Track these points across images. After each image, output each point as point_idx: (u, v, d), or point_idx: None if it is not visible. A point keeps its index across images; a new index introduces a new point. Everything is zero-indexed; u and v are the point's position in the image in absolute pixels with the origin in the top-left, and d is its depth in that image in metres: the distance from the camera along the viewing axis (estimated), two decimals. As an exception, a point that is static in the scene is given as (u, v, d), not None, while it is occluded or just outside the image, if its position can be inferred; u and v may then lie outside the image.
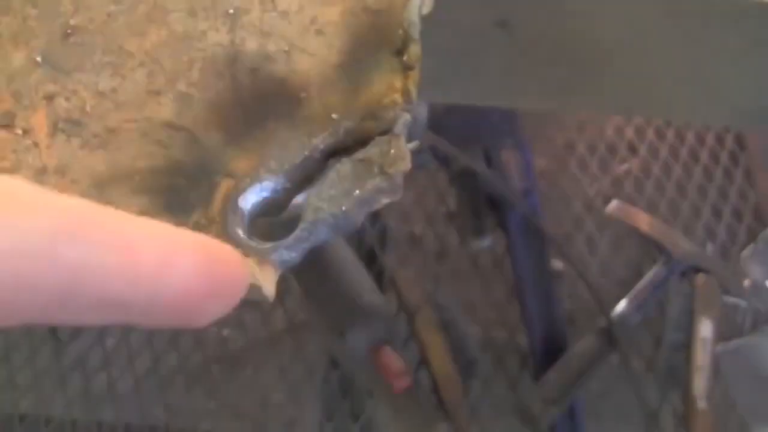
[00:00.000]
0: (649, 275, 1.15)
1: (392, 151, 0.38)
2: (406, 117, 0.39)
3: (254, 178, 0.37)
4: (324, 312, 1.08)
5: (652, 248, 1.17)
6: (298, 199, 0.38)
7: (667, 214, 1.22)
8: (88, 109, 0.40)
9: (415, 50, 0.41)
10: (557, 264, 1.18)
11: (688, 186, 1.24)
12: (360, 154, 0.38)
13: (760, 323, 1.15)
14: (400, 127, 0.38)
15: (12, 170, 0.39)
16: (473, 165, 1.15)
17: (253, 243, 0.36)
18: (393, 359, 1.04)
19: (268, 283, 0.35)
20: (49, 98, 0.41)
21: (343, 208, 0.36)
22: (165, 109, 0.40)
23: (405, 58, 0.41)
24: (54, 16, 0.43)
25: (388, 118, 0.39)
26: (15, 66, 0.42)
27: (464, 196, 1.19)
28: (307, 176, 0.38)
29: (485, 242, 1.18)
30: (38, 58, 0.42)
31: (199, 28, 0.42)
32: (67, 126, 0.40)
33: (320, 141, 0.38)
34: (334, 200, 0.37)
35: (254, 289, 0.35)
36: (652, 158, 1.26)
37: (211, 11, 0.43)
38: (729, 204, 1.24)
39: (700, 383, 1.06)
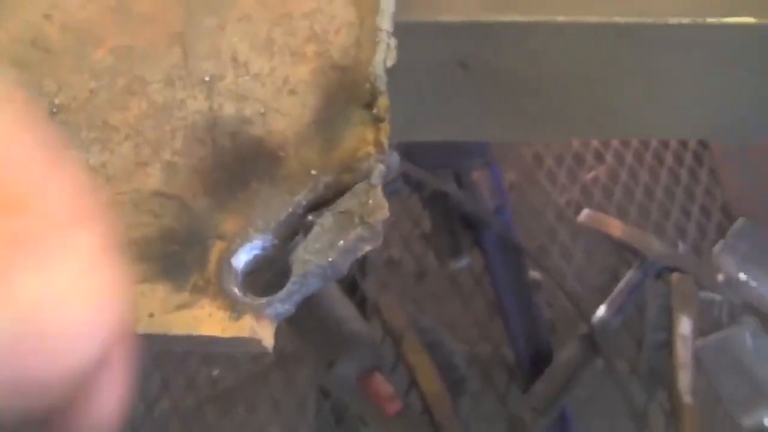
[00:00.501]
0: (625, 279, 1.18)
1: (370, 201, 0.40)
2: (381, 168, 0.41)
3: (244, 238, 0.40)
4: (312, 344, 1.10)
5: (626, 252, 1.20)
6: (287, 253, 0.40)
7: (638, 217, 1.25)
8: (81, 187, 0.42)
9: (383, 103, 0.43)
10: (535, 275, 1.20)
11: (656, 189, 1.28)
12: (340, 206, 0.40)
13: (736, 315, 1.18)
14: (375, 178, 0.41)
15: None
16: (445, 187, 1.17)
17: (249, 299, 0.38)
18: (383, 385, 1.05)
19: (267, 336, 0.38)
20: (42, 178, 0.43)
21: (330, 259, 0.39)
22: (153, 179, 0.42)
23: (375, 110, 0.43)
24: (39, 97, 0.45)
25: (364, 170, 0.41)
26: (6, 148, 0.44)
27: (438, 218, 1.21)
28: (292, 231, 0.40)
29: (463, 262, 1.20)
30: (28, 140, 0.44)
31: (178, 97, 0.45)
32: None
33: (302, 197, 0.41)
34: (320, 253, 0.39)
35: (254, 342, 0.37)
36: (618, 165, 1.30)
37: (188, 80, 0.45)
38: (697, 203, 1.27)
39: (684, 379, 1.08)
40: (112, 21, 0.48)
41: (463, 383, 1.14)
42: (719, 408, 1.10)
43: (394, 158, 0.43)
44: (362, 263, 1.20)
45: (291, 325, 1.10)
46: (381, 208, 0.40)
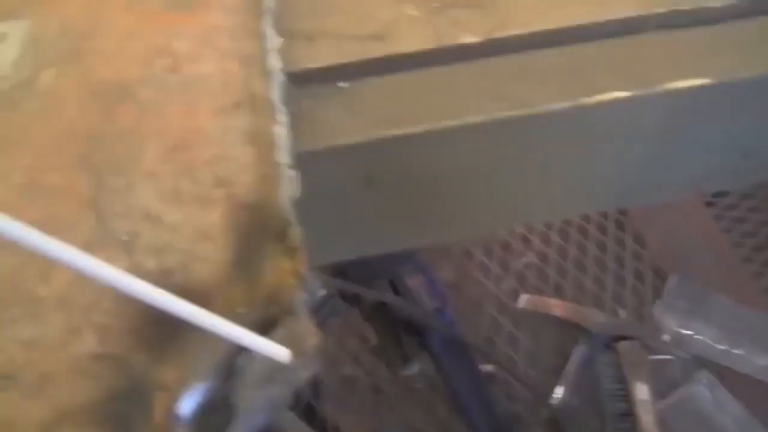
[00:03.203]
0: (575, 356, 1.19)
1: (298, 330, 0.41)
2: (302, 296, 0.42)
3: (185, 386, 0.40)
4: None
5: (571, 330, 1.22)
6: (230, 392, 0.41)
7: (574, 293, 1.27)
8: (18, 361, 0.43)
9: (293, 233, 0.45)
10: (487, 368, 1.21)
11: (586, 262, 1.30)
12: (272, 338, 0.41)
13: (690, 371, 1.20)
14: (299, 308, 0.42)
15: (-42, 440, 0.41)
16: (383, 297, 1.19)
17: (199, 447, 0.39)
18: None
19: (223, 479, 0.38)
20: (-23, 361, 0.43)
21: (273, 393, 0.40)
22: (88, 344, 0.43)
23: (287, 242, 0.45)
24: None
25: (288, 301, 0.43)
26: (-64, 337, 0.45)
27: (382, 328, 1.23)
28: (231, 368, 0.41)
29: (414, 368, 1.21)
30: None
31: (100, 259, 0.46)
32: (3, 383, 0.42)
33: (234, 336, 0.42)
34: (261, 387, 0.40)
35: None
36: (546, 246, 1.33)
37: (107, 242, 0.46)
38: (628, 268, 1.30)
39: (651, 444, 1.09)
40: (24, 197, 0.50)
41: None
42: (691, 466, 1.11)
43: (314, 284, 0.44)
44: (315, 387, 1.20)
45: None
46: (310, 335, 0.41)
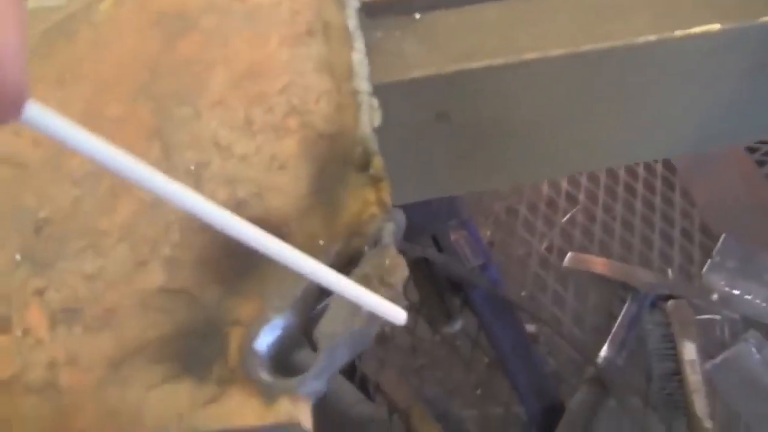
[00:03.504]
0: (622, 315, 1.16)
1: (387, 261, 0.39)
2: (391, 226, 0.40)
3: (263, 320, 0.38)
4: (320, 434, 1.07)
5: (617, 288, 1.19)
6: (309, 329, 0.38)
7: (621, 252, 1.24)
8: (81, 294, 0.41)
9: (378, 162, 0.42)
10: (530, 328, 1.19)
11: (633, 221, 1.27)
12: (357, 273, 0.39)
13: (738, 332, 1.17)
14: (387, 238, 0.39)
15: (21, 372, 0.39)
16: (425, 253, 1.16)
17: (281, 382, 0.36)
18: (399, 462, 1.03)
19: (305, 417, 0.36)
20: (39, 293, 0.41)
21: (356, 328, 0.37)
22: (156, 277, 0.41)
23: (371, 171, 0.42)
24: (21, 214, 0.44)
25: (372, 232, 0.40)
26: (-5, 271, 0.42)
27: (424, 285, 1.20)
28: (311, 305, 0.39)
29: (456, 325, 1.19)
30: (17, 257, 0.42)
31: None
32: (65, 316, 0.40)
33: (314, 269, 0.39)
34: (344, 322, 0.37)
35: (293, 426, 0.35)
36: (592, 203, 1.29)
37: (174, 173, 0.44)
38: (676, 227, 1.27)
39: (699, 404, 1.07)
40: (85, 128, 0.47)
41: (479, 448, 1.12)
42: (739, 426, 1.09)
43: (400, 215, 0.41)
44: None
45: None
46: (399, 267, 0.39)
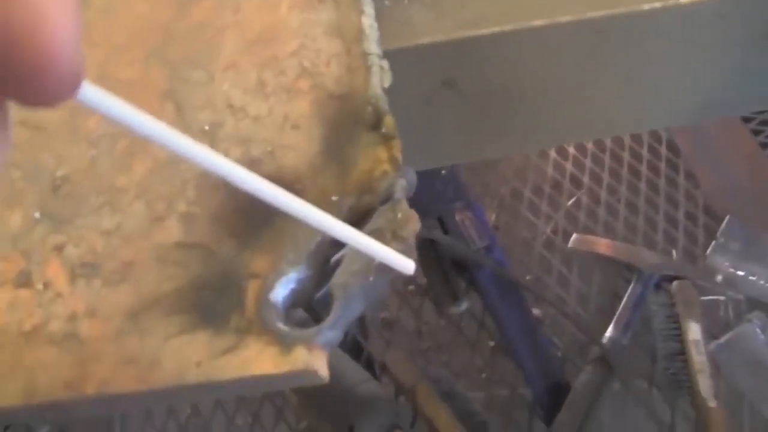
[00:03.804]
0: (627, 295, 1.17)
1: (399, 215, 0.39)
2: (403, 182, 0.40)
3: (278, 273, 0.39)
4: (327, 413, 1.08)
5: (622, 269, 1.20)
6: (322, 283, 0.39)
7: (625, 233, 1.25)
8: (99, 249, 0.41)
9: (389, 121, 0.43)
10: (536, 311, 1.19)
11: (638, 202, 1.28)
12: (369, 227, 0.39)
13: (742, 312, 1.17)
14: (399, 193, 0.40)
15: (43, 324, 0.40)
16: (431, 235, 1.17)
17: (297, 332, 0.37)
18: (405, 442, 1.04)
19: (321, 365, 0.37)
20: (59, 249, 0.42)
21: (370, 279, 0.38)
22: (173, 232, 0.41)
23: (383, 130, 0.43)
24: (39, 173, 0.45)
25: (384, 189, 0.41)
26: (15, 227, 0.43)
27: (430, 266, 1.21)
28: (324, 259, 0.40)
29: (462, 306, 1.19)
30: (36, 215, 0.43)
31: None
32: (84, 270, 0.41)
33: (327, 224, 0.40)
34: (358, 274, 0.38)
35: (310, 374, 0.36)
36: (596, 185, 1.30)
37: (188, 133, 0.44)
38: (680, 209, 1.27)
39: (704, 384, 1.07)
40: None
41: (485, 427, 1.12)
42: (744, 406, 1.09)
43: (411, 173, 0.42)
44: (362, 324, 1.19)
45: (303, 400, 1.08)
46: (411, 220, 0.39)
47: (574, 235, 1.22)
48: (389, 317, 1.24)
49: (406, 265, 0.36)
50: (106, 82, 0.48)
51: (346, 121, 0.44)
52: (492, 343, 1.19)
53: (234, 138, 0.44)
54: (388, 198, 0.40)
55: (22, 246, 0.42)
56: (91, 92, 0.27)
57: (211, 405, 1.14)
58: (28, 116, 0.47)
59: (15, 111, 0.45)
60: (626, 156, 1.32)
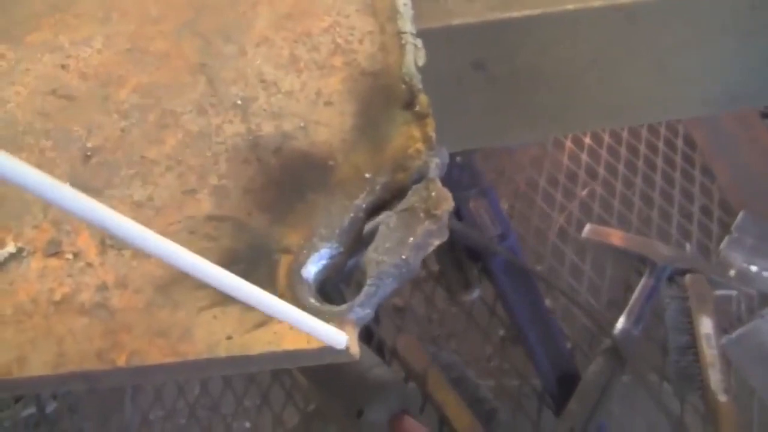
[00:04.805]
0: (639, 287, 1.17)
1: (433, 194, 0.39)
2: (436, 161, 0.40)
3: (310, 248, 0.38)
4: (337, 396, 1.08)
5: (635, 261, 1.19)
6: (354, 259, 0.39)
7: (640, 225, 1.24)
8: (130, 222, 0.41)
9: (423, 99, 0.43)
10: (547, 301, 1.19)
11: (653, 195, 1.27)
12: (402, 205, 0.39)
13: (754, 308, 1.17)
14: (433, 171, 0.40)
15: (72, 294, 0.39)
16: (445, 221, 1.16)
17: (328, 308, 0.37)
18: (414, 426, 1.03)
19: (352, 341, 0.36)
20: (89, 220, 0.42)
21: (403, 257, 0.37)
22: (204, 205, 0.41)
23: (417, 108, 0.42)
24: (70, 143, 0.44)
25: (417, 167, 0.41)
26: (46, 197, 0.43)
27: (443, 253, 1.20)
28: (356, 236, 0.39)
29: (474, 294, 1.19)
30: (67, 185, 0.43)
31: (213, 123, 0.44)
32: (114, 241, 0.41)
33: (361, 201, 0.40)
34: (391, 252, 0.38)
35: (341, 350, 0.36)
36: (612, 176, 1.29)
37: (220, 106, 0.44)
38: (695, 203, 1.27)
39: (715, 378, 1.07)
40: (130, 62, 0.48)
41: (494, 414, 1.12)
42: (754, 401, 1.09)
43: (444, 152, 0.42)
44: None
45: (313, 382, 1.09)
46: (445, 199, 0.39)
47: (588, 225, 1.22)
48: (401, 303, 1.24)
49: (338, 339, 0.36)
50: (138, 53, 0.48)
51: (380, 99, 0.43)
52: (503, 332, 1.18)
53: (267, 112, 0.44)
54: (420, 177, 0.40)
55: (53, 215, 0.42)
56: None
57: (221, 385, 1.14)
58: (58, 86, 0.47)
59: (45, 80, 0.45)
60: (642, 148, 1.31)
